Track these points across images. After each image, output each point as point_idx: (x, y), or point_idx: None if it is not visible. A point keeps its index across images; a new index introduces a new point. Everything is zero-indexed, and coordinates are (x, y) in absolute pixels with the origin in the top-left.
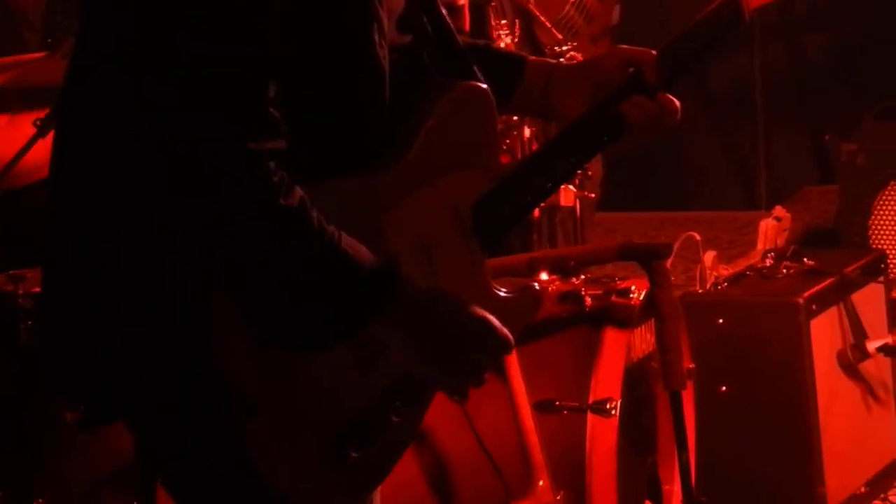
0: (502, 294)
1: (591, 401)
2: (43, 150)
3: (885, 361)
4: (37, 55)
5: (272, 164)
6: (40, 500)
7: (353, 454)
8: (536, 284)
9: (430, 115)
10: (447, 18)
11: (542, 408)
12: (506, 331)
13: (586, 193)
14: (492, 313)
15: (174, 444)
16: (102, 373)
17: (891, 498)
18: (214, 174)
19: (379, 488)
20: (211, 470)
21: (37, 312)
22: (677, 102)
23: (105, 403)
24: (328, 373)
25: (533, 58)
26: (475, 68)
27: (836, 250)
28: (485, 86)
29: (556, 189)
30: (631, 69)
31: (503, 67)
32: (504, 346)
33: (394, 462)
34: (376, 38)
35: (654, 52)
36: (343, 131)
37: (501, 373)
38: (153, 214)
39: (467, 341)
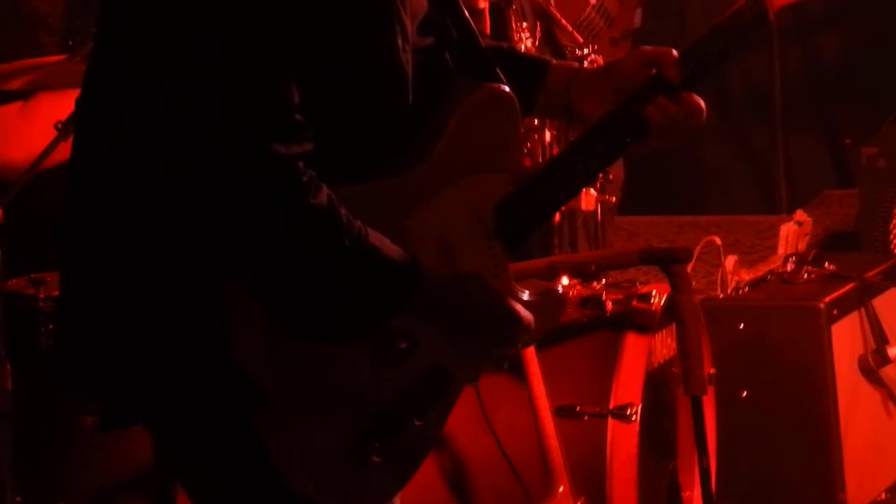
0: (526, 297)
1: (611, 406)
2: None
3: None
4: (56, 58)
5: (301, 164)
6: None
7: (375, 458)
8: (560, 287)
9: (452, 117)
10: (470, 21)
11: (562, 413)
12: (527, 312)
13: (607, 197)
14: None
15: (192, 443)
16: (120, 372)
17: None
18: (243, 177)
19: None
20: (228, 467)
21: (54, 314)
22: (702, 102)
23: (123, 403)
24: (350, 371)
25: (556, 61)
26: (498, 71)
27: (856, 254)
28: (507, 88)
29: (578, 191)
30: (652, 70)
31: (527, 71)
32: (526, 329)
33: (414, 468)
34: (399, 41)
35: (675, 51)
36: (366, 134)
37: (522, 377)
38: (177, 216)
39: (491, 321)
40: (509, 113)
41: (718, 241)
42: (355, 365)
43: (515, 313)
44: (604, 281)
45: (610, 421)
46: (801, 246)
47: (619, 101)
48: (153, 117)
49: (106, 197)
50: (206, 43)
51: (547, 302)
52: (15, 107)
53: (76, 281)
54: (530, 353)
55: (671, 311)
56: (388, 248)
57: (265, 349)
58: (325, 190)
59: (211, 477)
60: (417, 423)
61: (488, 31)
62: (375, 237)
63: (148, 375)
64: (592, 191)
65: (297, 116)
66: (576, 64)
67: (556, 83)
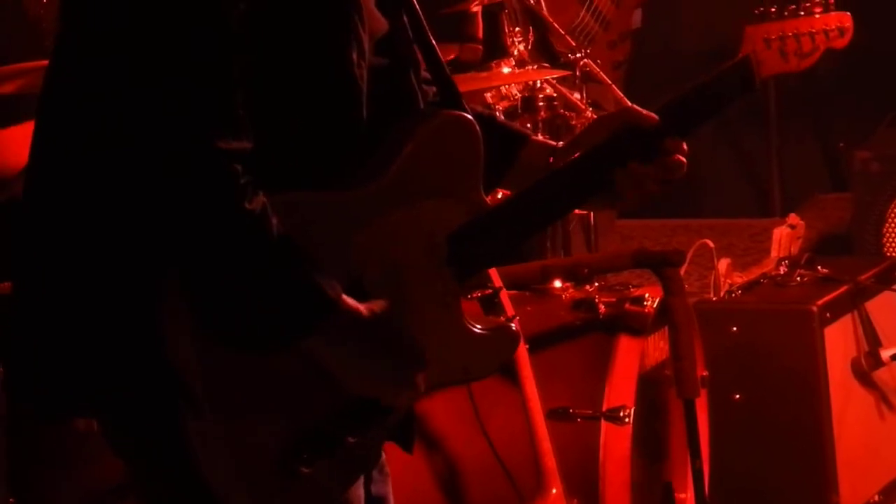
0: (477, 330)
1: (604, 408)
2: None
3: None
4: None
5: (240, 167)
6: None
7: (305, 469)
8: (514, 325)
9: (410, 139)
10: (436, 48)
11: (555, 415)
12: (423, 361)
13: None
14: (464, 348)
15: (127, 439)
16: (61, 366)
17: None
18: (182, 170)
19: (391, 492)
20: (157, 468)
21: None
22: (683, 159)
23: (63, 399)
24: (284, 385)
25: (534, 138)
26: (462, 101)
27: (849, 258)
28: (470, 116)
29: (540, 230)
30: (625, 127)
31: (502, 141)
32: (420, 378)
33: (347, 483)
34: (354, 56)
35: (649, 113)
36: (318, 143)
37: (515, 379)
38: (114, 209)
39: (392, 358)
40: (470, 141)
41: (711, 244)
42: (290, 378)
43: (417, 355)
44: (597, 284)
45: (603, 423)
46: (794, 249)
47: (590, 152)
48: (96, 115)
49: (50, 192)
50: (150, 39)
51: (498, 337)
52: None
53: (23, 278)
54: (523, 356)
55: (664, 314)
56: (310, 270)
57: (195, 352)
58: (261, 198)
59: (143, 470)
60: (351, 440)
61: (481, 35)
62: (302, 255)
63: (85, 372)
64: None
65: (238, 112)
66: (552, 143)
67: (530, 160)
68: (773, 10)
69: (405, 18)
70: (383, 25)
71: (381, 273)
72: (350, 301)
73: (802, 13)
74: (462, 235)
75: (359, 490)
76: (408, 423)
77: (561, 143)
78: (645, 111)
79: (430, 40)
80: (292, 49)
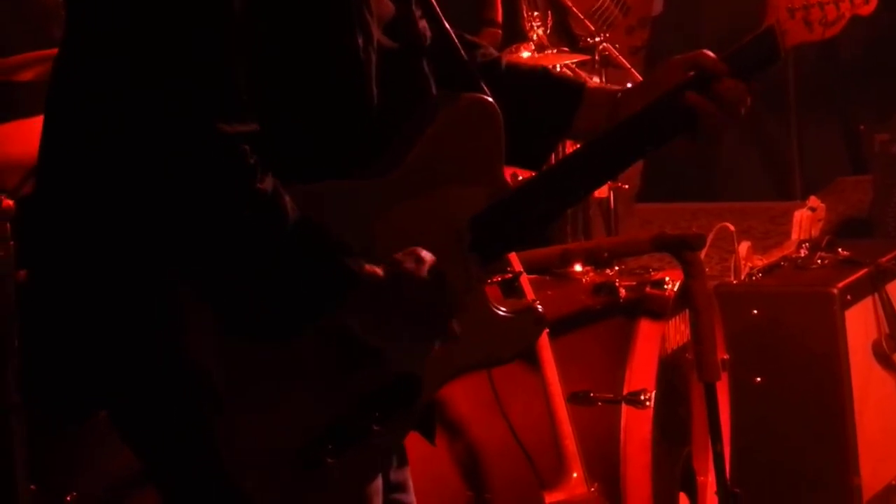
0: (501, 313)
1: (625, 392)
2: None
3: None
4: None
5: (246, 147)
6: (73, 494)
7: (330, 460)
8: (539, 306)
9: (430, 124)
10: (449, 30)
11: (576, 399)
12: (451, 304)
13: (620, 185)
14: (490, 331)
15: (148, 437)
16: (77, 365)
17: None
18: (187, 155)
19: (410, 478)
20: (181, 465)
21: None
22: (745, 88)
23: (80, 399)
24: (306, 375)
25: (592, 84)
26: (482, 83)
27: (870, 240)
28: (490, 99)
29: (594, 188)
30: (690, 73)
31: (560, 94)
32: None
33: (373, 476)
34: (360, 40)
35: (709, 52)
36: (329, 130)
37: (535, 364)
38: (128, 203)
39: (422, 318)
40: (491, 124)
41: (732, 227)
42: (313, 370)
43: (447, 304)
44: (617, 268)
45: (624, 407)
46: (815, 232)
47: (658, 98)
48: (101, 102)
49: (61, 193)
50: (149, 23)
51: (524, 319)
52: None
53: (38, 274)
54: (543, 340)
55: (684, 298)
56: (328, 242)
57: (216, 346)
58: (271, 178)
59: (164, 469)
60: (376, 428)
61: (500, 19)
62: (320, 230)
63: (102, 370)
64: None
65: (241, 95)
66: (614, 87)
67: (595, 107)
68: None
69: (414, 2)
70: (390, 9)
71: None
72: (370, 267)
73: None
74: (487, 219)
75: (377, 482)
76: (429, 414)
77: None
78: (714, 56)
79: (443, 21)
80: (296, 35)
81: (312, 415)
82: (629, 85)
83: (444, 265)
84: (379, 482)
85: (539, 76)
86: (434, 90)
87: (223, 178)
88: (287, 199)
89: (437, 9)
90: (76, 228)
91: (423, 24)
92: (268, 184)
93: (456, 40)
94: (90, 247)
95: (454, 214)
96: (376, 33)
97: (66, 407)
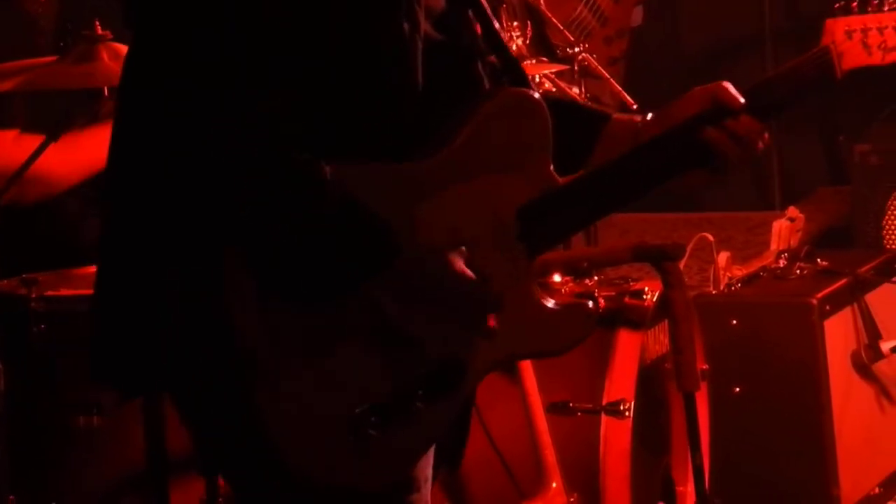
0: (550, 306)
1: (604, 402)
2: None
3: None
4: (47, 59)
5: (281, 126)
6: None
7: (373, 432)
8: (591, 303)
9: (474, 115)
10: (497, 28)
11: (555, 409)
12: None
13: None
14: (536, 324)
15: (198, 414)
16: (137, 343)
17: None
18: (224, 136)
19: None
20: (229, 437)
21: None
22: (762, 127)
23: (141, 373)
24: (352, 347)
25: (618, 115)
26: (527, 77)
27: (849, 251)
28: (536, 94)
29: (616, 208)
30: (709, 104)
31: (582, 122)
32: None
33: (416, 456)
34: (406, 26)
35: (728, 85)
36: (374, 115)
37: (514, 373)
38: (178, 192)
39: (456, 296)
40: (536, 117)
41: (711, 237)
42: (358, 342)
43: (487, 296)
44: (596, 278)
45: (603, 417)
46: (794, 242)
47: (678, 125)
48: (154, 101)
49: (126, 194)
50: (191, 23)
51: (573, 313)
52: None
53: (106, 269)
54: None
55: (664, 308)
56: (372, 209)
57: (262, 320)
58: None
59: (215, 447)
60: (420, 405)
61: (479, 30)
62: (356, 198)
63: (160, 348)
64: None
65: (270, 73)
66: (637, 117)
67: (617, 136)
68: (854, 4)
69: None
70: (440, 4)
71: (445, 246)
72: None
73: (886, 8)
74: (537, 210)
75: (427, 470)
76: (459, 440)
77: (649, 115)
78: (734, 90)
79: (493, 24)
80: (342, 19)
81: (356, 388)
82: (650, 116)
83: (489, 254)
84: (429, 471)
85: (565, 103)
86: (484, 85)
87: (259, 149)
88: (327, 168)
89: (489, 12)
90: (138, 224)
91: (476, 26)
92: (306, 154)
93: (500, 35)
94: (149, 237)
95: (498, 204)
96: (424, 24)
97: (132, 382)
